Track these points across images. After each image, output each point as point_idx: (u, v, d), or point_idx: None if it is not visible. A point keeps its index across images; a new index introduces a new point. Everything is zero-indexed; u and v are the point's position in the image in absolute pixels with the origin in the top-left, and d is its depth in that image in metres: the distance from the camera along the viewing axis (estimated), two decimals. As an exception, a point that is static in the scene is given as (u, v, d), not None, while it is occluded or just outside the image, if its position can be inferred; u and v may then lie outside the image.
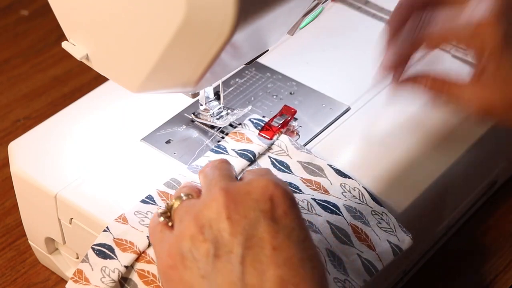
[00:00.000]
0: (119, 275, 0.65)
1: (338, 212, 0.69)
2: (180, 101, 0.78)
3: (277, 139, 0.74)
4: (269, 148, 0.73)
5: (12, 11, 1.13)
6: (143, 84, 0.66)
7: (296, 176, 0.71)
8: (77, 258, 0.76)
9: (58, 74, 1.03)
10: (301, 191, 0.70)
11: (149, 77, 0.64)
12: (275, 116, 0.75)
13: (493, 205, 0.88)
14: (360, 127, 0.77)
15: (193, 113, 0.77)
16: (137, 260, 0.66)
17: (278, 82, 0.81)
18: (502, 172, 0.88)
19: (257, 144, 0.73)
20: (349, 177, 0.71)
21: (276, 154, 0.73)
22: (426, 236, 0.80)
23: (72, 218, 0.72)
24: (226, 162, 0.63)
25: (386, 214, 0.70)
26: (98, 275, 0.65)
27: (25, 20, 1.12)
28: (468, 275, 0.81)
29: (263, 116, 0.76)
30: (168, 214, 0.60)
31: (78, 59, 0.68)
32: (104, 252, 0.66)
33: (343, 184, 0.71)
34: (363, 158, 0.74)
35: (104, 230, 0.67)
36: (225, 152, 0.72)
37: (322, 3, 0.70)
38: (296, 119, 0.77)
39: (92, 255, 0.66)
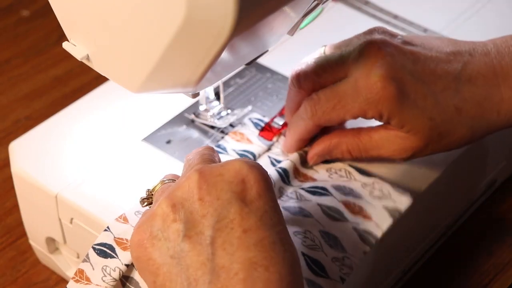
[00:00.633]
0: (120, 274, 0.65)
1: (327, 193, 0.68)
2: (180, 101, 0.78)
3: (277, 140, 0.74)
4: (269, 148, 0.74)
5: (12, 12, 1.13)
6: (143, 84, 0.66)
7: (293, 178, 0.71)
8: (78, 257, 0.76)
9: (58, 74, 1.03)
10: (289, 183, 0.70)
11: (149, 77, 0.64)
12: (275, 116, 0.76)
13: (492, 204, 0.88)
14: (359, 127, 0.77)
15: (194, 113, 0.77)
16: None
17: (278, 82, 0.81)
18: (501, 171, 0.88)
19: (257, 145, 0.73)
20: (334, 161, 0.72)
21: (277, 155, 0.73)
22: (425, 236, 0.81)
23: (72, 218, 0.72)
24: (209, 148, 0.63)
25: (377, 183, 0.70)
26: (99, 274, 0.65)
27: (25, 20, 1.12)
28: (468, 274, 0.81)
29: (264, 116, 0.76)
30: (150, 200, 0.61)
31: (79, 59, 0.68)
32: (104, 251, 0.66)
33: (329, 168, 0.71)
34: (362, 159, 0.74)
35: (105, 230, 0.67)
36: (225, 152, 0.73)
37: (322, 3, 0.70)
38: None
39: (93, 254, 0.66)
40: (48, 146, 0.75)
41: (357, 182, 0.70)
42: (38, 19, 1.12)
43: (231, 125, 0.76)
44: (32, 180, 0.73)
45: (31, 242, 0.81)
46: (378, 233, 0.67)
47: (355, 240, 0.66)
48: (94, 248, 0.66)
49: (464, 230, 0.85)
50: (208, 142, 0.75)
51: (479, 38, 0.86)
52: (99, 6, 0.63)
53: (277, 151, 0.73)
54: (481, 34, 0.87)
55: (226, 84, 0.81)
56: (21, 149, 0.75)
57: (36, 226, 0.78)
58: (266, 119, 0.76)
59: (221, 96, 0.77)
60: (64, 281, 0.80)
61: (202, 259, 0.54)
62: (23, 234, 0.82)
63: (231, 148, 0.73)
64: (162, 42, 0.60)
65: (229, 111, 0.77)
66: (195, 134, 0.76)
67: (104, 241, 0.66)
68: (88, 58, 0.68)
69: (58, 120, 0.78)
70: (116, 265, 0.65)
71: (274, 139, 0.74)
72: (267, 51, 0.72)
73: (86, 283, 0.65)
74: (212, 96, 0.76)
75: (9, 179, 0.78)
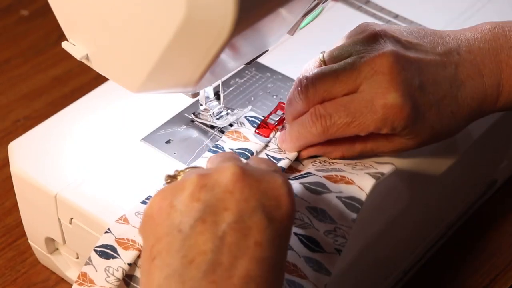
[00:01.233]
0: (123, 273, 0.65)
1: (310, 175, 0.69)
2: (180, 101, 0.78)
3: (273, 136, 0.74)
4: (266, 145, 0.74)
5: (12, 11, 1.13)
6: (143, 84, 0.66)
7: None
8: (77, 258, 0.76)
9: (58, 74, 1.03)
10: None
11: (149, 77, 0.64)
12: (270, 113, 0.76)
13: (493, 205, 0.88)
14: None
15: (193, 113, 0.77)
16: (139, 256, 0.66)
17: (278, 82, 0.81)
18: (502, 171, 0.88)
19: (254, 142, 0.73)
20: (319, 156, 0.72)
21: (273, 152, 0.73)
22: (426, 236, 0.81)
23: (72, 218, 0.72)
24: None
25: (360, 162, 0.70)
26: (102, 275, 0.65)
27: (25, 20, 1.12)
28: (468, 274, 0.81)
29: (263, 117, 0.76)
30: (176, 179, 0.60)
31: (78, 59, 0.68)
32: (106, 252, 0.66)
33: (314, 161, 0.72)
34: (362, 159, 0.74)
35: (106, 232, 0.67)
36: (222, 152, 0.73)
37: (322, 3, 0.70)
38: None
39: (95, 257, 0.66)
40: (48, 146, 0.75)
41: (340, 165, 0.70)
42: (37, 19, 1.12)
43: (231, 125, 0.76)
44: (32, 180, 0.73)
45: (31, 242, 0.80)
46: (362, 196, 0.66)
47: (342, 209, 0.66)
48: (96, 251, 0.66)
49: (464, 230, 0.85)
50: (207, 142, 0.75)
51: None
52: (99, 6, 0.63)
53: (274, 147, 0.73)
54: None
55: (226, 84, 0.81)
56: (20, 149, 0.75)
57: (36, 226, 0.78)
58: (262, 117, 0.75)
59: (221, 96, 0.77)
60: (64, 281, 0.80)
61: (206, 247, 0.54)
62: (22, 234, 0.82)
63: (228, 148, 0.73)
64: (162, 42, 0.60)
65: (229, 111, 0.77)
66: (194, 134, 0.76)
67: (106, 243, 0.66)
68: (87, 58, 0.67)
69: (58, 120, 0.78)
70: (118, 265, 0.65)
71: (271, 135, 0.74)
72: (267, 50, 0.72)
73: (90, 286, 0.65)
74: (212, 96, 0.76)
75: (8, 179, 0.78)
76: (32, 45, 1.08)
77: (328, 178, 0.68)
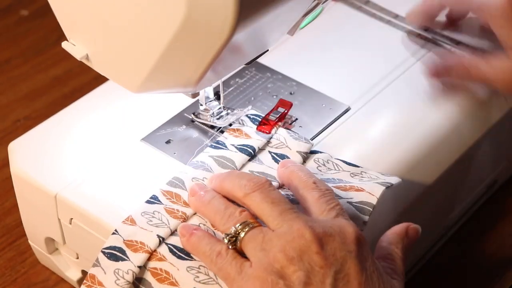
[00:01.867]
0: (133, 276, 0.65)
1: None
2: (180, 101, 0.78)
3: (275, 132, 0.74)
4: (268, 142, 0.74)
5: (12, 11, 1.13)
6: (143, 84, 0.66)
7: None
8: (77, 258, 0.76)
9: (58, 74, 1.03)
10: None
11: (149, 77, 0.64)
12: (271, 111, 0.76)
13: (493, 205, 0.88)
14: (360, 127, 0.77)
15: (193, 113, 0.77)
16: (148, 259, 0.65)
17: (278, 82, 0.81)
18: (502, 172, 0.88)
19: (256, 139, 0.73)
20: (320, 152, 0.72)
21: (276, 148, 0.73)
22: (425, 236, 0.81)
23: (72, 218, 0.72)
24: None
25: (365, 172, 0.71)
26: (111, 278, 0.65)
27: (25, 20, 1.12)
28: (468, 274, 0.81)
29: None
30: (233, 240, 0.63)
31: (78, 59, 0.68)
32: (115, 254, 0.66)
33: (317, 159, 0.72)
34: (363, 159, 0.74)
35: (113, 233, 0.66)
36: (224, 147, 0.73)
37: (322, 3, 0.70)
38: (296, 119, 0.77)
39: (103, 258, 0.66)
40: (48, 146, 0.75)
41: (345, 172, 0.70)
42: (37, 19, 1.12)
43: (231, 125, 0.76)
44: (32, 180, 0.73)
45: (31, 242, 0.80)
46: (373, 200, 0.68)
47: (353, 213, 0.67)
48: (104, 252, 0.66)
49: (464, 231, 0.85)
50: (207, 142, 0.75)
51: (480, 38, 0.86)
52: (99, 6, 0.63)
53: (276, 143, 0.73)
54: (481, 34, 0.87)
55: (226, 84, 0.81)
56: (20, 149, 0.75)
57: (36, 226, 0.78)
58: (263, 115, 0.76)
59: (221, 96, 0.77)
60: (64, 282, 0.80)
61: None
62: (22, 235, 0.82)
63: (230, 144, 0.73)
64: (162, 42, 0.60)
65: (229, 111, 0.77)
66: (194, 134, 0.76)
67: (114, 244, 0.66)
68: (87, 57, 0.68)
69: (58, 120, 0.78)
70: (128, 268, 0.65)
71: (273, 131, 0.74)
72: (267, 50, 0.72)
73: None
74: (212, 95, 0.76)
75: (8, 179, 0.78)
76: (32, 45, 1.08)
77: (337, 187, 0.69)
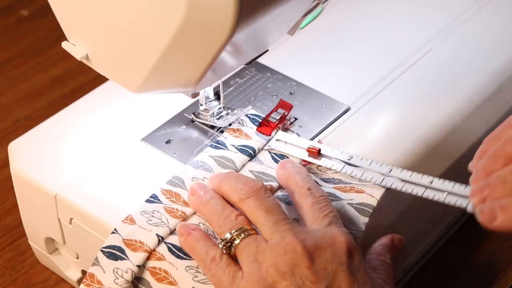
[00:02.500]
0: (132, 275, 0.65)
1: (318, 184, 0.69)
2: (180, 101, 0.78)
3: (275, 134, 0.74)
4: (268, 143, 0.74)
5: (12, 11, 1.13)
6: (143, 84, 0.66)
7: None
8: (77, 258, 0.76)
9: (58, 74, 1.03)
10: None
11: (149, 77, 0.64)
12: (272, 111, 0.76)
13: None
14: (360, 127, 0.77)
15: (193, 113, 0.77)
16: (147, 258, 0.66)
17: (278, 82, 0.81)
18: (502, 172, 0.88)
19: (256, 140, 0.73)
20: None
21: (276, 149, 0.73)
22: (426, 236, 0.81)
23: (72, 218, 0.72)
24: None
25: (367, 171, 0.71)
26: (110, 277, 0.65)
27: (25, 20, 1.12)
28: (468, 275, 0.81)
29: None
30: (228, 245, 0.63)
31: (78, 59, 0.68)
32: (114, 253, 0.66)
33: (319, 165, 0.72)
34: (363, 159, 0.74)
35: (113, 232, 0.67)
36: (224, 147, 0.73)
37: (322, 3, 0.70)
38: (296, 119, 0.77)
39: (102, 257, 0.66)
40: (48, 146, 0.75)
41: (345, 175, 0.70)
42: (37, 19, 1.12)
43: (231, 125, 0.76)
44: (32, 180, 0.73)
45: (31, 242, 0.80)
46: (373, 202, 0.68)
47: (353, 214, 0.68)
48: (103, 251, 0.66)
49: (464, 231, 0.85)
50: (207, 142, 0.75)
51: (479, 38, 0.86)
52: (99, 6, 0.63)
53: (275, 144, 0.73)
54: (481, 34, 0.87)
55: (226, 84, 0.81)
56: (20, 149, 0.75)
57: (36, 226, 0.78)
58: (263, 115, 0.76)
59: (221, 96, 0.77)
60: (64, 282, 0.80)
61: None
62: (22, 235, 0.82)
63: (230, 144, 0.73)
64: (162, 42, 0.60)
65: (229, 111, 0.77)
66: (194, 134, 0.76)
67: (113, 244, 0.66)
68: (87, 57, 0.68)
69: (58, 120, 0.78)
70: (127, 267, 0.65)
71: (273, 133, 0.74)
72: (267, 50, 0.72)
73: (98, 287, 0.65)
74: (212, 96, 0.76)
75: (8, 179, 0.78)
76: (32, 45, 1.08)
77: (337, 188, 0.69)
